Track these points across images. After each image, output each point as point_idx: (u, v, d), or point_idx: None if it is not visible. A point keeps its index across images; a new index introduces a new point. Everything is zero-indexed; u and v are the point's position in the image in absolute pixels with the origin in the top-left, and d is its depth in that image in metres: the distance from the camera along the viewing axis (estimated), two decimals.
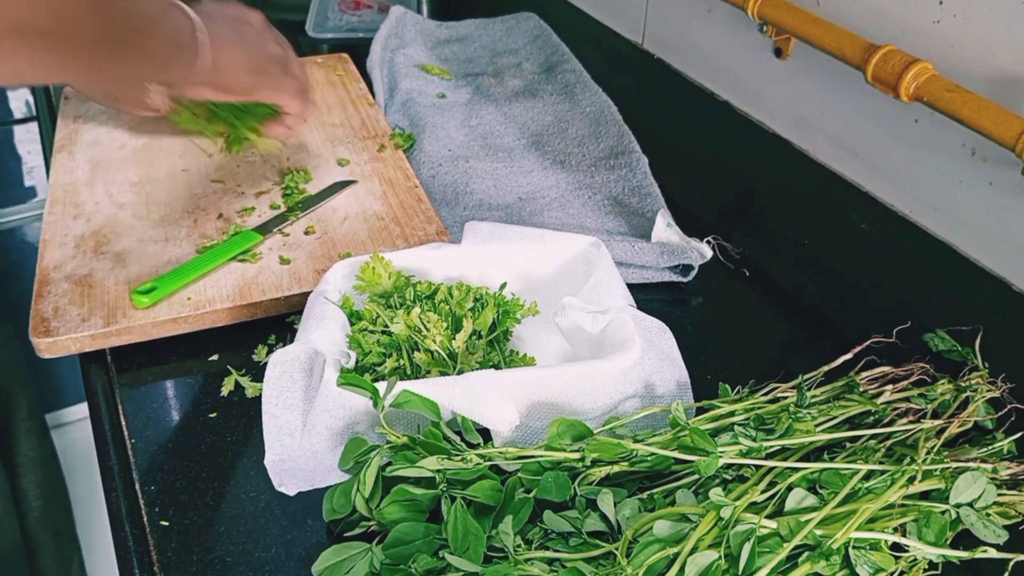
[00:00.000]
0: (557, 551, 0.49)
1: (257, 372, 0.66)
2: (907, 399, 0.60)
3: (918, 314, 0.70)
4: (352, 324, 0.63)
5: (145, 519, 0.56)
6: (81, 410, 1.79)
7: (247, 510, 0.56)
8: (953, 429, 0.58)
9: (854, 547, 0.49)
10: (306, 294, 0.65)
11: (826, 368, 0.63)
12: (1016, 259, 0.77)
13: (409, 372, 0.60)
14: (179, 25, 0.63)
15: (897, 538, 0.51)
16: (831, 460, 0.55)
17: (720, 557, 0.47)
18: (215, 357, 0.68)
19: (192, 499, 0.57)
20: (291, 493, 0.56)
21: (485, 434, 0.56)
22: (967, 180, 0.79)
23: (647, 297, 0.74)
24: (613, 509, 0.50)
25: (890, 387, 0.61)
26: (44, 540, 1.18)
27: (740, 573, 0.46)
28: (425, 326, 0.60)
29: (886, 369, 0.62)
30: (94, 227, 0.78)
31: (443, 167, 0.91)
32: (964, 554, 0.51)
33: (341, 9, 1.28)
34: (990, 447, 0.58)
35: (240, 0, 0.77)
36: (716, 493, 0.49)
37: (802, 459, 0.55)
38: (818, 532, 0.49)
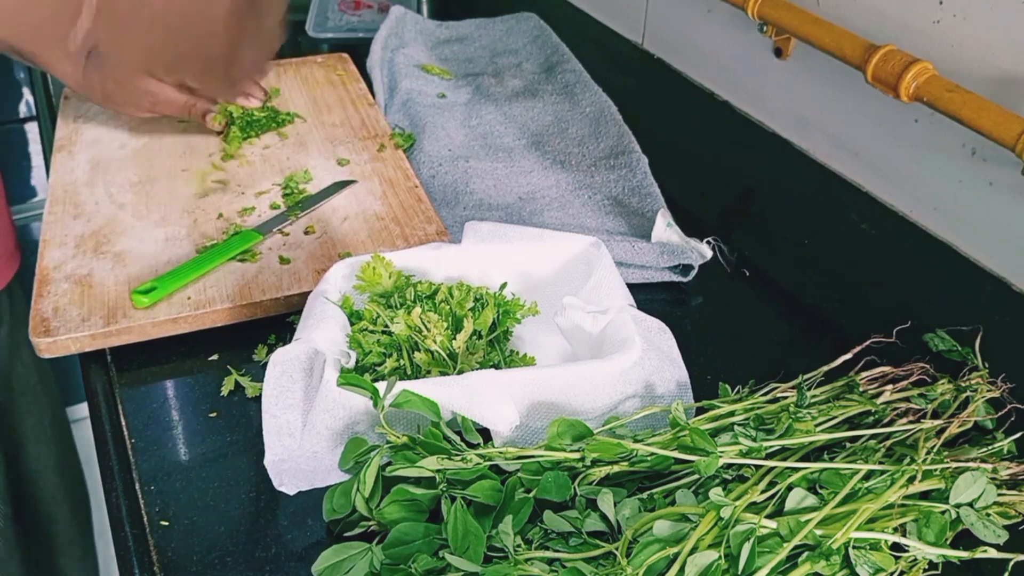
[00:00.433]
0: (557, 551, 0.49)
1: (257, 372, 0.66)
2: (907, 399, 0.60)
3: (918, 314, 0.70)
4: (352, 324, 0.63)
5: (145, 519, 0.56)
6: (81, 410, 1.79)
7: (247, 510, 0.56)
8: (953, 429, 0.58)
9: (854, 547, 0.49)
10: (306, 294, 0.65)
11: (826, 368, 0.63)
12: (1016, 259, 0.77)
13: (409, 372, 0.60)
14: None
15: (897, 538, 0.51)
16: (831, 460, 0.55)
17: (720, 557, 0.47)
18: (215, 357, 0.68)
19: (192, 499, 0.57)
20: (291, 493, 0.56)
21: (485, 434, 0.56)
22: (967, 180, 0.79)
23: (647, 297, 0.74)
24: (613, 509, 0.50)
25: (890, 387, 0.61)
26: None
27: (740, 573, 0.46)
28: (425, 326, 0.60)
29: (886, 369, 0.62)
30: (94, 227, 0.78)
31: (443, 167, 0.91)
32: (964, 554, 0.51)
33: (341, 9, 1.28)
34: (990, 447, 0.58)
35: None
36: (716, 493, 0.49)
37: (802, 459, 0.55)
38: (818, 532, 0.49)
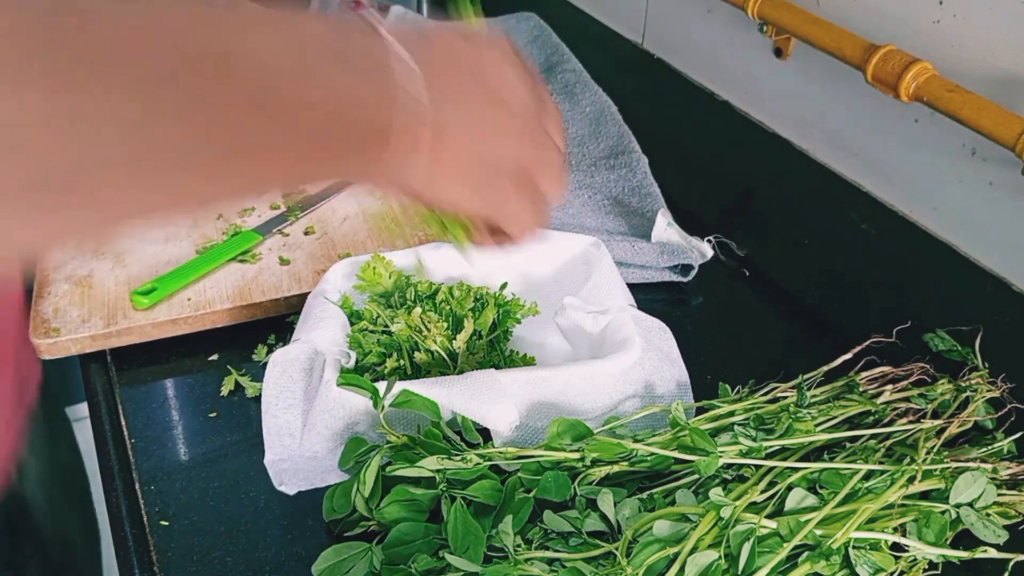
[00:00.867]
0: (557, 551, 0.49)
1: (257, 372, 0.66)
2: (907, 399, 0.60)
3: (918, 314, 0.70)
4: (352, 324, 0.63)
5: (145, 519, 0.56)
6: (81, 410, 1.79)
7: (247, 510, 0.56)
8: (953, 429, 0.58)
9: (854, 547, 0.49)
10: (306, 294, 0.65)
11: (826, 368, 0.63)
12: (1016, 259, 0.77)
13: (409, 372, 0.60)
14: (372, 101, 0.39)
15: (897, 538, 0.51)
16: (831, 460, 0.55)
17: (720, 557, 0.47)
18: (215, 357, 0.68)
19: (192, 499, 0.57)
20: (291, 493, 0.56)
21: (485, 434, 0.56)
22: (967, 180, 0.79)
23: (647, 297, 0.74)
24: (613, 509, 0.50)
25: (890, 387, 0.61)
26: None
27: (740, 573, 0.46)
28: (426, 326, 0.60)
29: (886, 369, 0.62)
30: None
31: None
32: (964, 554, 0.51)
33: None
34: (990, 447, 0.58)
35: None
36: (716, 493, 0.49)
37: (802, 459, 0.55)
38: (818, 532, 0.49)
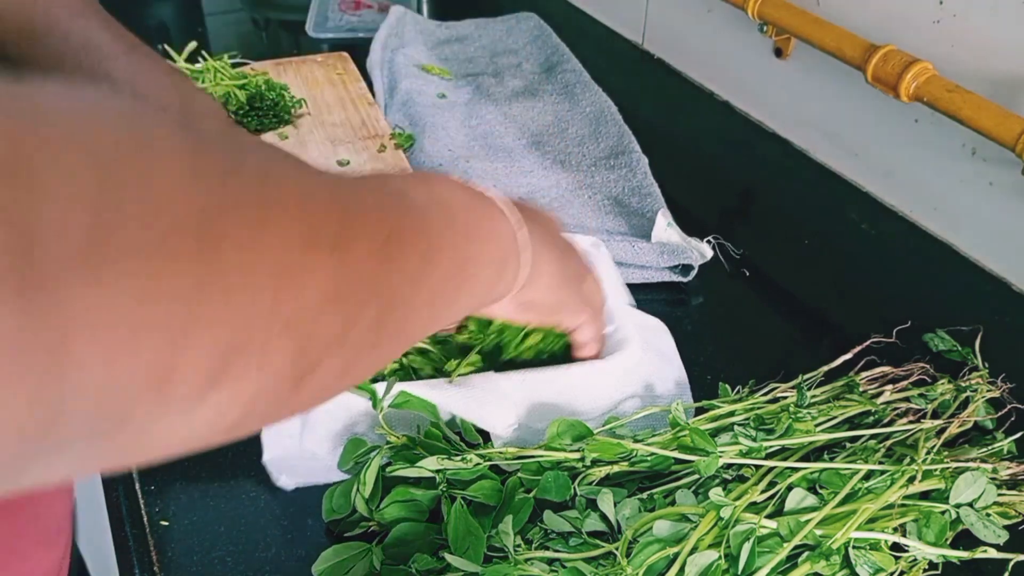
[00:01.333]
0: (557, 551, 0.49)
1: None
2: (907, 399, 0.60)
3: (918, 314, 0.70)
4: None
5: (145, 519, 0.56)
6: None
7: (247, 510, 0.56)
8: (953, 429, 0.58)
9: (854, 547, 0.49)
10: None
11: (826, 368, 0.63)
12: (1016, 259, 0.77)
13: (410, 373, 0.60)
14: (503, 233, 0.46)
15: (897, 538, 0.51)
16: (831, 460, 0.55)
17: (720, 557, 0.47)
18: None
19: (192, 499, 0.57)
20: (289, 487, 0.56)
21: (485, 434, 0.56)
22: (967, 180, 0.79)
23: (647, 297, 0.74)
24: (613, 509, 0.50)
25: (890, 387, 0.61)
26: None
27: (740, 573, 0.46)
28: None
29: (886, 369, 0.62)
30: None
31: (443, 167, 0.91)
32: (964, 554, 0.51)
33: (341, 9, 1.28)
34: (990, 447, 0.58)
35: None
36: (716, 493, 0.49)
37: (802, 459, 0.55)
38: (818, 532, 0.49)
